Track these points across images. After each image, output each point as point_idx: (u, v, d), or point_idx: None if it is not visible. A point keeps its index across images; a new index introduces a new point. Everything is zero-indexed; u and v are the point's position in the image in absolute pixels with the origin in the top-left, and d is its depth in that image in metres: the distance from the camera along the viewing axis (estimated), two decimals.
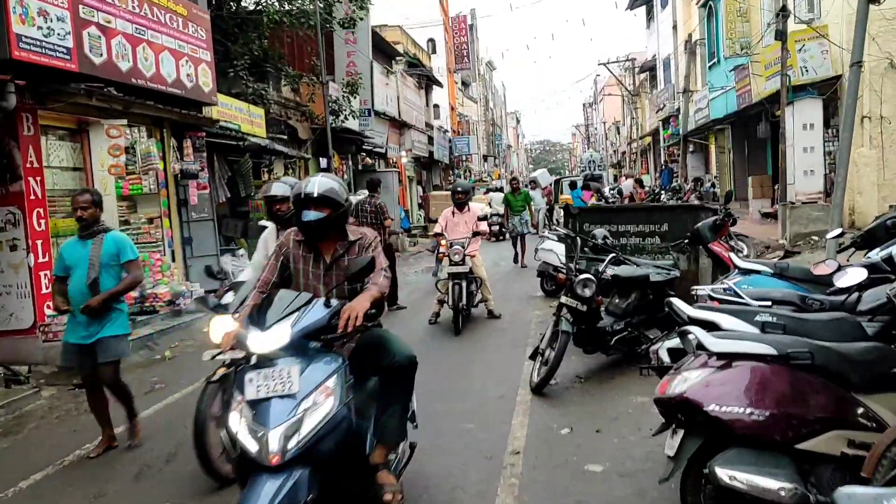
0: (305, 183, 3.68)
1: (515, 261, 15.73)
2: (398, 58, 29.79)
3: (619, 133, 59.26)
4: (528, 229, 15.42)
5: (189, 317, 10.70)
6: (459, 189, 10.19)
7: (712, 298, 4.95)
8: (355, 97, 19.72)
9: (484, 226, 9.79)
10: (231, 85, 14.66)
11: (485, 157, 61.57)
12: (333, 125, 18.14)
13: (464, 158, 48.01)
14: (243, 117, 13.74)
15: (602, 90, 63.45)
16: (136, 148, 9.78)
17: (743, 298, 4.67)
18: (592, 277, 6.47)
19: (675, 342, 4.08)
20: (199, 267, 12.03)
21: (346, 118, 19.04)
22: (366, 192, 20.08)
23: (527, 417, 5.68)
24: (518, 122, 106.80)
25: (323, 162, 18.11)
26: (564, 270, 6.77)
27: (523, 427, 5.46)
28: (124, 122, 9.34)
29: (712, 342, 3.39)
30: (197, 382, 7.58)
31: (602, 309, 6.83)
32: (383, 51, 27.06)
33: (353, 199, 18.67)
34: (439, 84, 39.78)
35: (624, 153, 54.85)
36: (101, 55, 8.84)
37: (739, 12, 20.13)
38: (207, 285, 11.81)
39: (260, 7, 16.52)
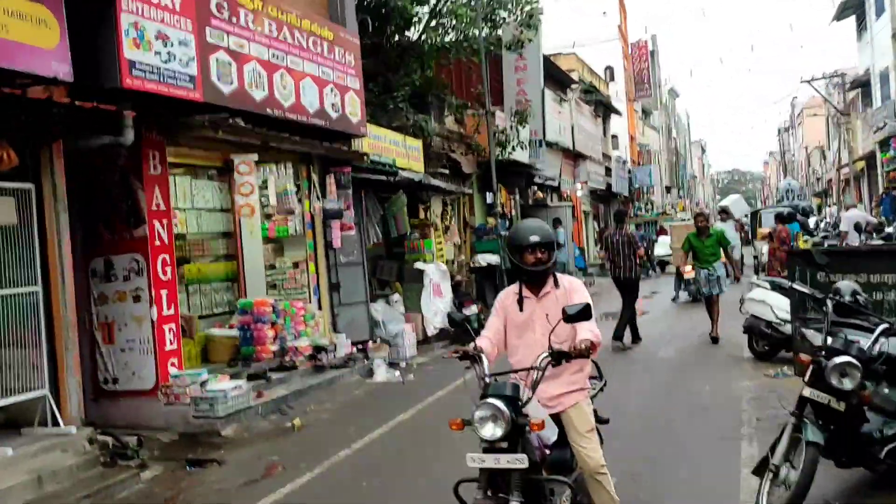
0: None
1: (715, 340, 10.68)
2: (573, 85, 28.09)
3: (824, 158, 53.38)
4: (721, 288, 10.68)
5: (333, 373, 9.58)
6: (537, 239, 3.83)
7: None
8: (524, 127, 18.20)
9: (588, 330, 3.68)
10: (391, 118, 13.74)
11: (667, 189, 58.02)
12: (500, 157, 16.72)
13: (644, 190, 45.21)
14: (398, 150, 12.64)
15: (801, 112, 57.66)
16: (269, 186, 8.80)
17: None
18: (855, 362, 4.33)
19: None
20: (348, 315, 10.91)
21: (513, 149, 17.55)
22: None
23: None
24: (703, 150, 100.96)
25: (489, 197, 16.72)
26: (803, 345, 4.67)
27: None
28: (254, 156, 8.38)
29: None
30: (319, 467, 6.28)
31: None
32: (557, 79, 25.47)
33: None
34: (617, 112, 37.64)
35: (830, 180, 49.15)
36: (232, 83, 7.89)
37: None
38: (356, 336, 10.72)
39: (423, 37, 15.57)
